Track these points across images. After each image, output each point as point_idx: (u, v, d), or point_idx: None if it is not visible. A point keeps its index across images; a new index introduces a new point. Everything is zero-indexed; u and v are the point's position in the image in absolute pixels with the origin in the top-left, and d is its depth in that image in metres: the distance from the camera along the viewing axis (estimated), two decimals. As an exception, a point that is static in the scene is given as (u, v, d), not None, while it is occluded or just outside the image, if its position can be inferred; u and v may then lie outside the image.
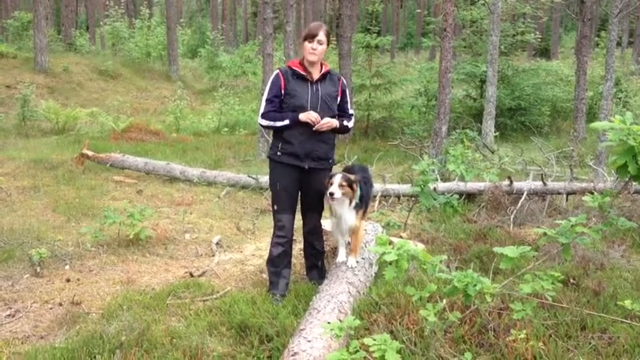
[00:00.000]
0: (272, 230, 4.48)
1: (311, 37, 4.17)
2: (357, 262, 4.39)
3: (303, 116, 4.14)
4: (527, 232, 6.18)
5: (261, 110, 4.28)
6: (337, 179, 4.15)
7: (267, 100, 4.26)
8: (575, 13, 14.45)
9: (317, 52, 4.18)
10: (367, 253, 4.58)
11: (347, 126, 4.39)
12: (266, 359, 3.49)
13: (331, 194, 4.10)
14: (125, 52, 24.25)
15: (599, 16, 32.55)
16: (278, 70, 4.30)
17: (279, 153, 4.27)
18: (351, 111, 4.49)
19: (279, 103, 4.23)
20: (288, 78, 4.23)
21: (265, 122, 4.27)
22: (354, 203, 4.23)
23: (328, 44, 4.27)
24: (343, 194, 4.14)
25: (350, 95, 5.00)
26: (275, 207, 4.39)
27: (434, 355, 3.23)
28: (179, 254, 5.75)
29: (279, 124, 4.21)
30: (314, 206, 4.47)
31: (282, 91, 4.22)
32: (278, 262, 4.39)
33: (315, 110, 4.20)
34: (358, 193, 4.25)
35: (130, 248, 5.70)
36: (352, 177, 4.23)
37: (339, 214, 4.28)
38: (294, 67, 4.26)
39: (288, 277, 4.45)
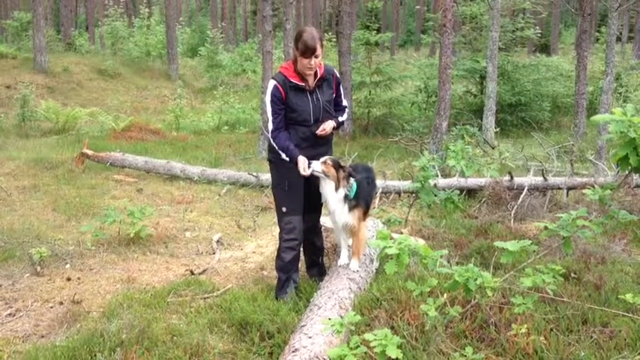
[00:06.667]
0: (278, 234, 4.35)
1: (310, 53, 3.94)
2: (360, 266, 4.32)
3: (299, 164, 4.04)
4: (528, 227, 6.16)
5: (271, 126, 4.13)
6: (323, 157, 4.10)
7: (273, 114, 4.09)
8: (574, 9, 14.41)
9: (314, 66, 4.03)
10: (368, 249, 4.56)
11: (342, 122, 4.36)
12: (267, 356, 3.49)
13: (310, 167, 4.02)
14: (125, 51, 24.18)
15: (599, 11, 32.51)
16: (275, 82, 4.09)
17: (283, 157, 4.15)
18: (344, 102, 4.40)
19: (284, 115, 4.11)
20: (286, 89, 4.06)
21: (275, 145, 4.14)
22: (342, 192, 4.11)
23: (323, 48, 4.13)
24: (324, 171, 4.06)
25: (346, 89, 4.94)
26: (283, 209, 4.24)
27: (435, 350, 3.23)
28: (180, 252, 5.75)
29: (282, 155, 4.11)
30: (315, 204, 4.40)
31: (283, 104, 4.08)
32: (290, 267, 4.27)
33: (317, 120, 4.13)
34: (354, 187, 4.13)
35: (130, 247, 5.70)
36: (341, 162, 4.17)
37: (325, 197, 4.18)
38: (291, 79, 4.07)
39: (297, 280, 4.37)
